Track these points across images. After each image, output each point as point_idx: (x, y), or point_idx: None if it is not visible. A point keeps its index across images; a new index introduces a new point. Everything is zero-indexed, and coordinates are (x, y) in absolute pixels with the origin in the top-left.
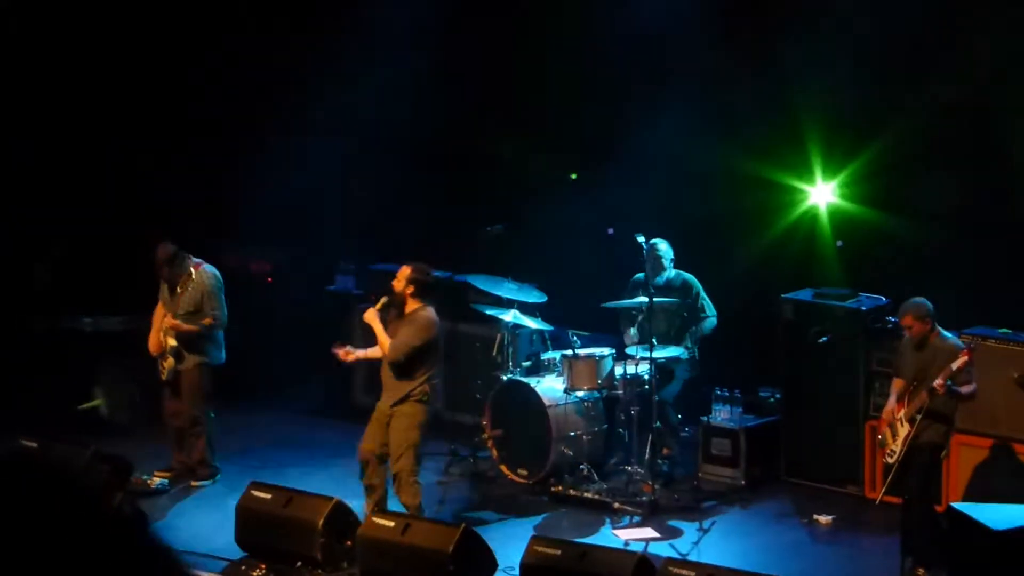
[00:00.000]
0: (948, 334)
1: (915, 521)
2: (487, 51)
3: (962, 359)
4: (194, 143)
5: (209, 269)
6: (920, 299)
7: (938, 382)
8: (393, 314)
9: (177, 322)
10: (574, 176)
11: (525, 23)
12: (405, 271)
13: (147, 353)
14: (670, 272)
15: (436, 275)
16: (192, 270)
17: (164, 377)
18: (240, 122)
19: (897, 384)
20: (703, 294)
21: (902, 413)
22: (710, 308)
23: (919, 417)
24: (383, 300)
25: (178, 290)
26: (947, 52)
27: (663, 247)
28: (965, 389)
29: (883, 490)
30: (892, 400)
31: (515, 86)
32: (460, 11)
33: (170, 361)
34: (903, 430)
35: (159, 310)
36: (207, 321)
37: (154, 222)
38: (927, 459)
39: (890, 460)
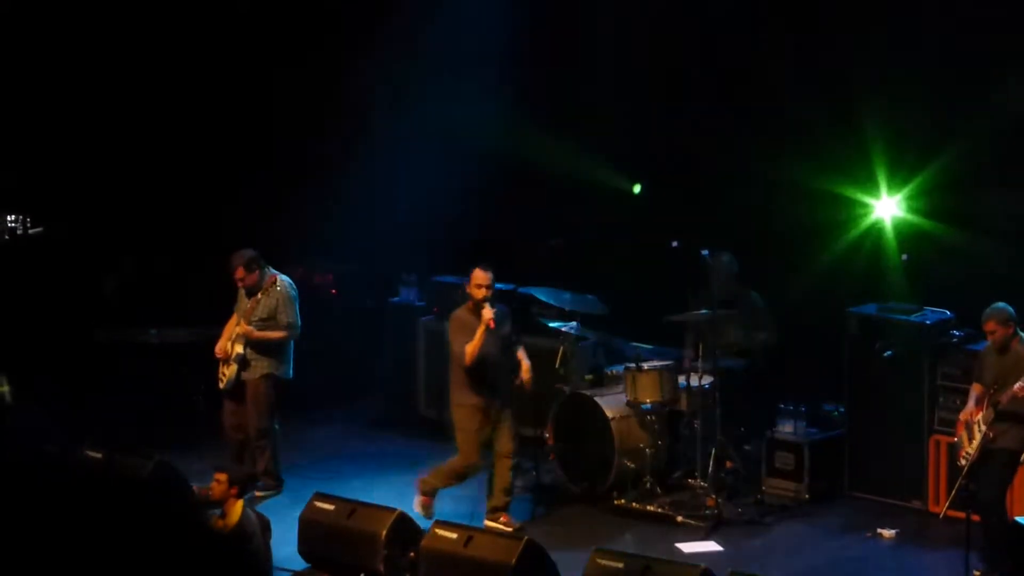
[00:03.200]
0: None
1: (989, 529)
2: (551, 64)
3: None
4: (260, 156)
5: (285, 279)
6: (1002, 304)
7: (1018, 386)
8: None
9: (250, 328)
10: (637, 188)
11: (589, 35)
12: (489, 275)
13: (210, 365)
14: (733, 285)
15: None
16: (270, 278)
17: (222, 386)
18: (305, 135)
19: (976, 388)
20: (766, 312)
21: (979, 417)
22: (771, 328)
23: (1004, 424)
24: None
25: (258, 295)
26: (1016, 64)
27: (727, 260)
28: None
29: (947, 504)
30: (971, 404)
31: (579, 99)
32: (525, 24)
33: (232, 368)
34: (980, 434)
35: (233, 319)
36: (280, 334)
37: (220, 235)
38: (1003, 466)
39: (964, 462)
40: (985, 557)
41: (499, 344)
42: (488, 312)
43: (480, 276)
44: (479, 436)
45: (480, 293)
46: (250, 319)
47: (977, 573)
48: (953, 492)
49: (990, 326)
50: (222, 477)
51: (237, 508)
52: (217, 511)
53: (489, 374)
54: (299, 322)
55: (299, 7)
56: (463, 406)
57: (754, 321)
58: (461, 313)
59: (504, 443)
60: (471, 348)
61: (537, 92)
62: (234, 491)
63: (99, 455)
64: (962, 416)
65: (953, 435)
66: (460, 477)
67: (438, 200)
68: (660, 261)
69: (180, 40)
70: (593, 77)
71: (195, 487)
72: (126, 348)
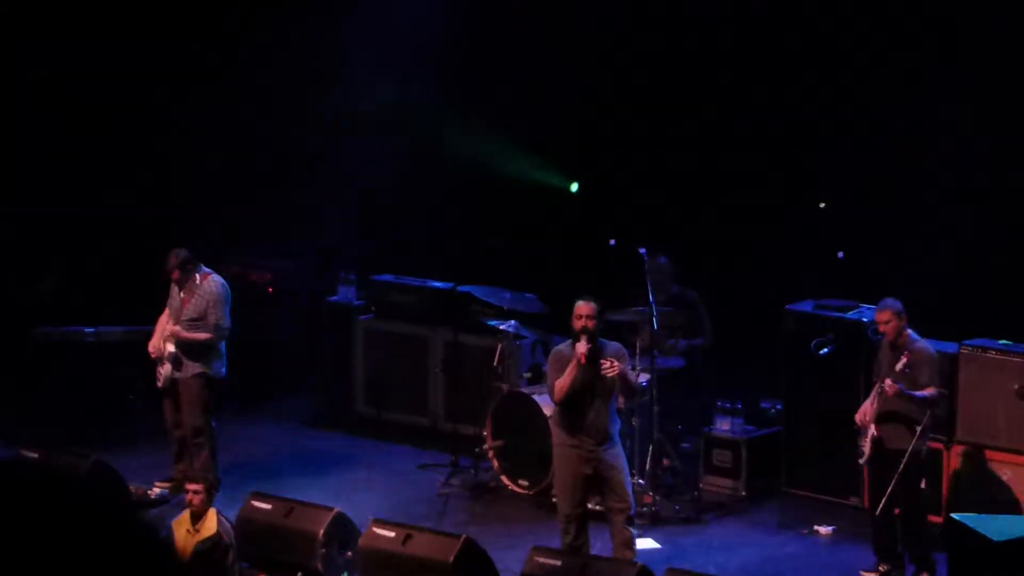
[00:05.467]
0: (916, 336)
1: (904, 529)
2: (488, 62)
3: (902, 360)
4: (196, 153)
5: (217, 279)
6: (892, 299)
7: (888, 383)
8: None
9: (178, 329)
10: (574, 187)
11: (527, 34)
12: (588, 306)
13: (146, 364)
14: (671, 286)
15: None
16: (201, 278)
17: (160, 384)
18: (243, 133)
19: (876, 387)
20: (704, 314)
21: (872, 414)
22: (707, 330)
23: (891, 423)
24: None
25: (183, 295)
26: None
27: (664, 260)
28: (921, 393)
29: (883, 502)
30: (867, 402)
31: (517, 97)
32: (464, 20)
33: (167, 367)
34: (870, 431)
35: (165, 315)
36: (207, 335)
37: (157, 232)
38: (902, 467)
39: (861, 460)
40: (912, 556)
41: (601, 383)
42: (582, 346)
43: (578, 307)
44: (574, 484)
45: (577, 324)
46: (180, 318)
47: (883, 568)
48: (889, 490)
49: (885, 316)
50: (199, 487)
51: (211, 517)
52: (155, 510)
53: (586, 415)
54: (228, 323)
55: None
56: (556, 446)
57: (692, 322)
58: (561, 347)
59: (613, 499)
60: (560, 383)
61: (473, 90)
62: (210, 497)
63: (35, 454)
64: (856, 416)
65: None
66: (562, 532)
67: (377, 199)
68: (598, 260)
69: (114, 32)
70: (530, 75)
71: (132, 487)
72: (62, 347)
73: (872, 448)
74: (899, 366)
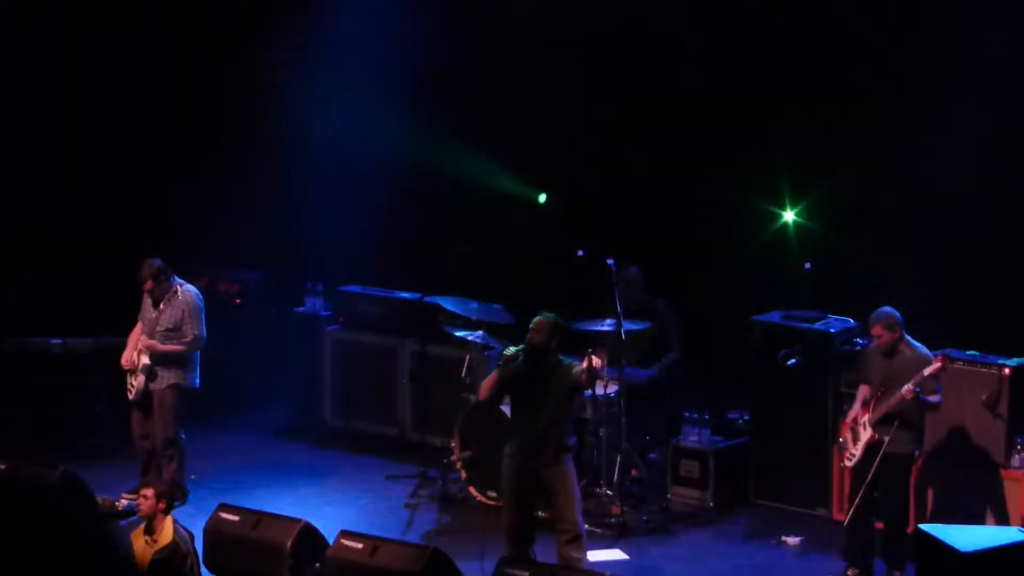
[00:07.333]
0: (917, 343)
1: (895, 534)
2: (453, 70)
3: (935, 366)
4: (163, 163)
5: (192, 289)
6: (888, 308)
7: (907, 388)
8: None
9: (154, 343)
10: (542, 198)
11: (496, 43)
12: (538, 321)
13: (114, 374)
14: (641, 296)
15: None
16: (177, 287)
17: (132, 396)
18: (211, 143)
19: (863, 390)
20: (674, 324)
21: (866, 418)
22: (676, 341)
23: (891, 427)
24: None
25: (161, 305)
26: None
27: (634, 271)
28: (932, 398)
29: (850, 512)
30: (857, 405)
31: (483, 106)
32: (429, 32)
33: (140, 379)
34: (865, 434)
35: (138, 328)
36: (182, 347)
37: (126, 243)
38: (897, 474)
39: (848, 463)
40: (888, 562)
41: (545, 395)
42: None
43: (533, 322)
44: (510, 492)
45: (528, 336)
46: (155, 329)
47: (852, 574)
48: (857, 500)
49: (876, 331)
50: (149, 493)
51: (168, 525)
52: (124, 521)
53: (524, 425)
54: (205, 333)
55: (203, 9)
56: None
57: (662, 336)
58: (510, 350)
59: (558, 520)
60: (484, 382)
61: (443, 101)
62: (162, 506)
63: (3, 466)
64: (847, 419)
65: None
66: (505, 542)
67: (345, 208)
68: (566, 270)
69: (81, 38)
70: (497, 83)
71: (100, 498)
72: (30, 357)
73: (864, 452)
74: (929, 371)
